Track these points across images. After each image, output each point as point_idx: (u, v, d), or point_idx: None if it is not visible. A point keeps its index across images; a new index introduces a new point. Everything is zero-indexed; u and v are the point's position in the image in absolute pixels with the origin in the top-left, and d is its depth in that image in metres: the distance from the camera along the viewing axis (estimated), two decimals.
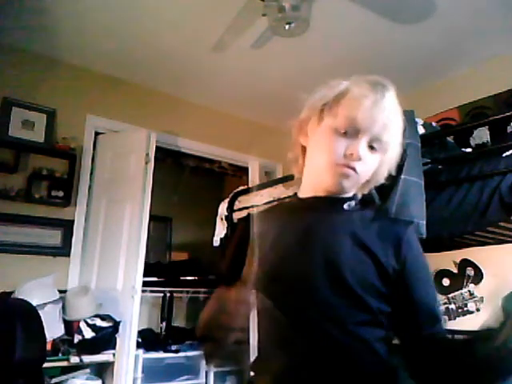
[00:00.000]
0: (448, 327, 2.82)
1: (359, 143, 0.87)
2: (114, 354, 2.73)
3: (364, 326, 0.83)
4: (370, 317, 0.83)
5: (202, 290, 4.15)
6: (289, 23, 2.24)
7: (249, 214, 2.71)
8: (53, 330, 2.52)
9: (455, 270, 2.85)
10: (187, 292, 4.12)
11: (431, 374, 0.82)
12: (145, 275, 3.09)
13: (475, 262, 2.75)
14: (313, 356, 0.81)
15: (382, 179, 0.95)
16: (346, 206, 0.93)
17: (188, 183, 4.85)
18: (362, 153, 0.87)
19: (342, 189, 0.91)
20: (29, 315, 1.53)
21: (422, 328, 0.84)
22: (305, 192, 0.98)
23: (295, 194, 1.04)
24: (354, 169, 0.87)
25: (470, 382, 0.77)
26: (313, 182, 0.95)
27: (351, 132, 0.87)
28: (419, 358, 0.84)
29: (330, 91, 0.93)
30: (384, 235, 0.88)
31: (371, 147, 0.88)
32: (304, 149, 0.99)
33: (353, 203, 0.94)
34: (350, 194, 0.94)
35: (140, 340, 3.24)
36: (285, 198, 2.53)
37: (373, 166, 0.91)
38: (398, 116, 0.90)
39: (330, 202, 0.93)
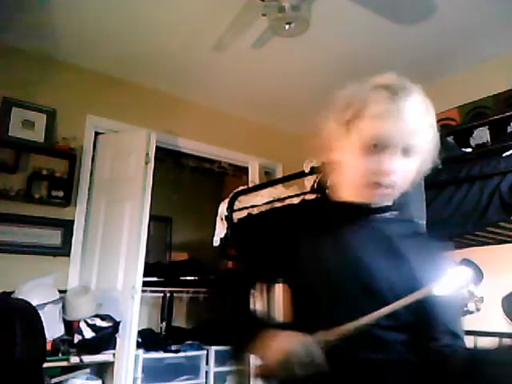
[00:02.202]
0: None
1: (391, 157, 0.84)
2: (113, 354, 2.73)
3: (389, 331, 0.83)
4: (396, 323, 0.83)
5: (202, 289, 4.15)
6: (289, 23, 2.24)
7: (249, 214, 2.71)
8: (53, 330, 2.52)
9: None
10: (187, 292, 4.12)
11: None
12: (145, 275, 3.09)
13: (475, 262, 2.75)
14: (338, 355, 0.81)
15: (419, 179, 0.93)
16: (387, 215, 0.93)
17: (188, 183, 4.85)
18: (395, 166, 0.84)
19: (381, 203, 0.90)
20: (29, 315, 1.53)
21: (438, 340, 0.84)
22: (342, 196, 0.95)
23: (325, 195, 1.02)
24: (388, 186, 0.85)
25: None
26: (349, 195, 0.93)
27: (380, 146, 0.84)
28: (431, 370, 0.84)
29: (349, 106, 0.88)
30: (419, 249, 0.88)
31: (405, 152, 0.85)
32: (336, 163, 0.95)
33: (388, 214, 0.93)
34: (389, 202, 0.93)
35: (140, 340, 3.23)
36: (284, 198, 2.53)
37: (411, 171, 0.88)
38: (426, 114, 0.87)
39: (366, 211, 0.92)
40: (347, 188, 0.93)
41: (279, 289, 3.79)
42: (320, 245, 0.90)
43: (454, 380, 0.81)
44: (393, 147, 0.84)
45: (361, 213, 0.91)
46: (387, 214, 0.93)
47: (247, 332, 0.86)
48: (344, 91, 0.91)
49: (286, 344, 0.75)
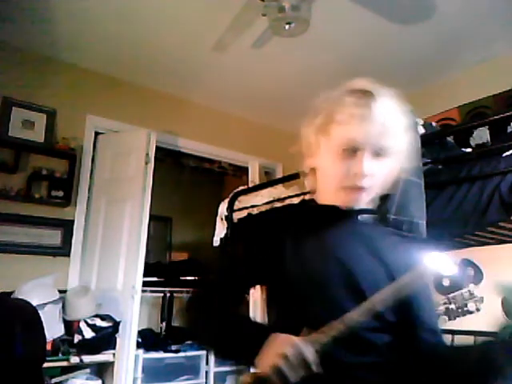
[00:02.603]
0: (448, 327, 2.82)
1: (361, 160, 0.85)
2: (114, 354, 2.73)
3: (374, 332, 0.84)
4: (379, 324, 0.84)
5: None
6: (289, 23, 2.24)
7: (249, 214, 2.71)
8: (53, 330, 2.52)
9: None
10: (187, 292, 4.12)
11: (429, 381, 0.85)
12: (145, 275, 3.09)
13: (475, 261, 2.75)
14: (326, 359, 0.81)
15: (393, 181, 0.94)
16: (360, 218, 0.95)
17: (188, 183, 4.85)
18: (367, 168, 0.85)
19: (356, 206, 0.91)
20: (29, 315, 1.53)
21: (422, 340, 0.88)
22: (322, 200, 0.97)
23: (305, 199, 1.04)
24: (362, 188, 0.87)
25: None
26: (328, 198, 0.95)
27: (350, 150, 0.86)
28: (419, 367, 0.86)
29: (320, 113, 0.92)
30: (396, 249, 0.91)
31: (376, 154, 0.87)
32: (314, 170, 0.98)
33: (366, 216, 0.95)
34: (367, 204, 0.94)
35: (140, 340, 3.23)
36: (284, 198, 2.53)
37: (383, 173, 0.90)
38: (395, 115, 0.88)
39: (347, 214, 0.93)
40: (326, 192, 0.95)
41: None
42: (303, 247, 0.92)
43: (435, 376, 0.84)
44: (362, 150, 0.86)
45: (340, 216, 0.93)
46: (366, 216, 0.95)
47: (244, 343, 0.85)
48: (317, 99, 0.94)
49: (279, 348, 0.75)
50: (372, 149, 0.86)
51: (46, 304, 2.53)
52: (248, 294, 1.04)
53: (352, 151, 0.86)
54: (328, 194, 0.94)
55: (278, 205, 2.53)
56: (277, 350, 0.75)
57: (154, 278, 3.84)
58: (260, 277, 0.99)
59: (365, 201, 0.91)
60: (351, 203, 0.90)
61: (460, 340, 2.70)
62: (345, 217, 0.93)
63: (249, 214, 2.71)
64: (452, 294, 2.84)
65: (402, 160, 0.92)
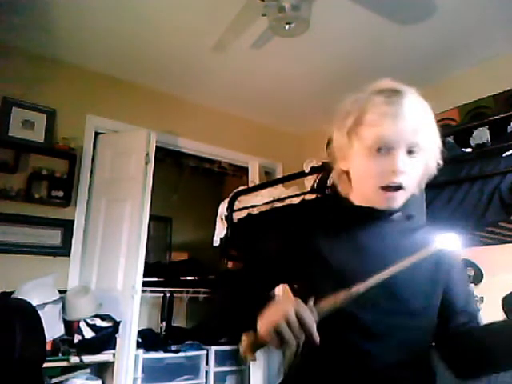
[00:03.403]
0: None
1: (396, 158, 0.85)
2: (114, 354, 2.73)
3: (397, 317, 0.87)
4: (405, 309, 0.87)
5: (202, 290, 4.15)
6: (289, 23, 2.24)
7: (249, 214, 2.71)
8: (53, 330, 2.52)
9: None
10: (187, 292, 4.12)
11: (475, 364, 0.87)
12: (145, 275, 3.09)
13: (475, 262, 2.75)
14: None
15: (429, 177, 0.95)
16: (396, 217, 0.94)
17: (188, 183, 4.85)
18: (402, 165, 0.85)
19: (395, 205, 0.91)
20: (29, 315, 1.53)
21: (455, 320, 0.91)
22: (359, 201, 0.96)
23: (327, 196, 1.03)
24: (399, 187, 0.86)
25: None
26: (365, 200, 0.94)
27: (384, 149, 0.86)
28: (462, 350, 0.89)
29: (349, 115, 0.91)
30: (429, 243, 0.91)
31: (410, 153, 0.87)
32: (347, 172, 0.97)
33: (400, 214, 0.95)
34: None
35: (140, 340, 3.23)
36: (284, 198, 2.53)
37: (418, 171, 0.90)
38: (424, 113, 0.90)
39: (385, 214, 0.93)
40: (363, 194, 0.94)
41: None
42: (339, 248, 0.92)
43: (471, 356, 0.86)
44: (397, 148, 0.86)
45: (379, 217, 0.93)
46: (398, 215, 0.94)
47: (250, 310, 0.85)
48: (344, 102, 0.94)
49: (280, 310, 0.75)
50: (406, 146, 0.86)
51: (46, 304, 2.53)
52: (272, 290, 1.01)
53: (386, 150, 0.86)
54: (365, 196, 0.93)
55: (278, 205, 2.53)
56: (278, 312, 0.75)
57: (154, 278, 3.84)
58: (289, 275, 0.99)
59: (402, 200, 0.90)
60: (389, 203, 0.89)
61: None
62: (383, 217, 0.93)
63: (249, 214, 2.71)
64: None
65: (431, 158, 0.92)
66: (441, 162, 0.94)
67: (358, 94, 0.92)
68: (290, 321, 0.72)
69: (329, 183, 2.19)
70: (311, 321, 0.73)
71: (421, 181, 0.93)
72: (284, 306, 0.75)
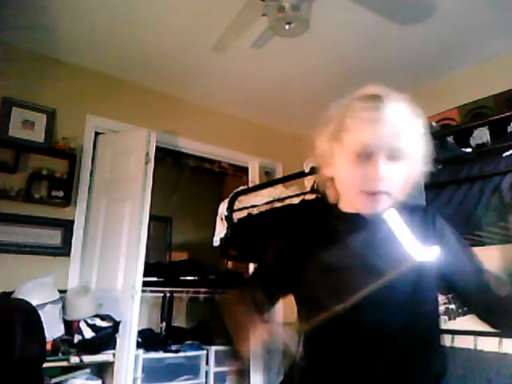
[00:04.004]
0: (448, 327, 2.82)
1: (377, 164, 0.85)
2: (114, 354, 2.73)
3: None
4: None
5: (202, 289, 4.16)
6: (289, 23, 2.24)
7: (249, 214, 2.71)
8: (53, 330, 2.52)
9: None
10: (187, 292, 4.12)
11: None
12: (145, 275, 3.09)
13: None
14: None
15: (416, 182, 0.94)
16: (386, 216, 0.93)
17: (188, 183, 4.85)
18: (383, 171, 0.85)
19: (380, 211, 0.91)
20: (29, 315, 1.53)
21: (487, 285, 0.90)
22: (345, 207, 0.97)
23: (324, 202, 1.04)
24: (382, 192, 0.86)
25: None
26: (350, 206, 0.95)
27: (364, 156, 0.86)
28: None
29: (331, 121, 0.92)
30: (417, 227, 0.91)
31: (392, 158, 0.86)
32: (333, 179, 0.97)
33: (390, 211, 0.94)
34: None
35: (140, 340, 3.23)
36: (284, 198, 2.53)
37: (401, 176, 0.89)
38: (409, 118, 0.88)
39: (370, 220, 0.93)
40: (347, 200, 0.95)
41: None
42: (328, 255, 0.92)
43: None
44: (377, 153, 0.85)
45: (364, 222, 0.93)
46: (391, 212, 0.94)
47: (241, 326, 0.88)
48: (329, 109, 0.94)
49: (262, 334, 0.80)
50: (386, 152, 0.85)
51: (45, 304, 2.53)
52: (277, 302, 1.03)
53: (366, 156, 0.85)
54: (349, 201, 0.94)
55: (278, 205, 2.53)
56: (262, 333, 0.81)
57: (154, 278, 3.84)
58: (289, 284, 0.99)
59: (387, 204, 0.90)
60: (373, 208, 0.89)
61: (460, 340, 2.70)
62: (368, 223, 0.93)
63: (249, 214, 2.71)
64: (452, 294, 2.84)
65: (418, 162, 0.91)
66: (429, 167, 0.93)
67: (340, 100, 0.93)
68: (271, 339, 0.79)
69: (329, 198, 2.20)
70: (293, 343, 0.79)
71: (405, 186, 0.92)
72: (266, 331, 0.81)
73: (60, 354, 2.52)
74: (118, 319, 2.79)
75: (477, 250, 1.03)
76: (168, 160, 4.36)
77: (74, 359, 2.54)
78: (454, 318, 2.82)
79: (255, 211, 2.67)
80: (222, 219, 2.90)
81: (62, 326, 2.65)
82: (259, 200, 2.70)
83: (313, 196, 2.32)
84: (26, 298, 1.98)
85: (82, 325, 2.66)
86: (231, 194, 2.91)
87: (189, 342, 3.69)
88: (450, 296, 2.85)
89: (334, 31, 2.85)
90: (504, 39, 2.86)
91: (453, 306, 2.84)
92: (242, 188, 3.03)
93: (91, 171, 3.29)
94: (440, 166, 2.06)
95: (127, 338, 2.86)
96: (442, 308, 2.88)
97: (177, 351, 3.51)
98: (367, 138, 0.85)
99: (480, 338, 2.60)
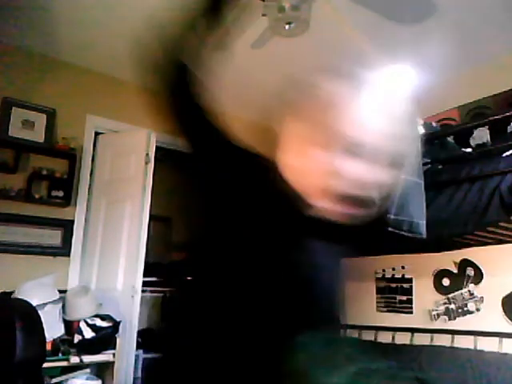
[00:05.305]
0: (448, 327, 2.83)
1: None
2: (113, 354, 2.73)
3: None
4: None
5: None
6: (289, 23, 2.24)
7: None
8: (53, 330, 2.52)
9: (455, 270, 2.85)
10: None
11: None
12: (145, 275, 3.09)
13: (475, 262, 2.75)
14: None
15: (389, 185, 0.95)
16: None
17: (188, 183, 4.84)
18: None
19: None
20: (29, 315, 1.53)
21: None
22: None
23: None
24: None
25: None
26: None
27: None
28: None
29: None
30: None
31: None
32: None
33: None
34: None
35: (140, 340, 3.23)
36: None
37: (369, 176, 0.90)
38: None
39: None
40: None
41: None
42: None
43: None
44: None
45: None
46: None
47: None
48: None
49: None
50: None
51: (45, 304, 2.53)
52: None
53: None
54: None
55: None
56: None
57: (154, 278, 3.84)
58: None
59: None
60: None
61: (460, 340, 2.70)
62: None
63: None
64: (452, 294, 2.84)
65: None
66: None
67: None
68: None
69: None
70: None
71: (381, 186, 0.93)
72: None
73: (60, 354, 2.52)
74: (117, 319, 2.79)
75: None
76: (168, 160, 4.35)
77: (74, 359, 2.54)
78: (454, 318, 2.82)
79: None
80: None
81: (62, 326, 2.65)
82: None
83: None
84: (25, 298, 1.98)
85: (82, 325, 2.66)
86: None
87: None
88: (449, 296, 2.86)
89: (334, 31, 2.85)
90: (504, 40, 2.86)
91: (453, 306, 2.84)
92: None
93: (91, 171, 3.29)
94: (440, 166, 2.07)
95: (127, 338, 2.87)
96: (442, 308, 2.89)
97: None
98: None
99: (480, 337, 2.60)
